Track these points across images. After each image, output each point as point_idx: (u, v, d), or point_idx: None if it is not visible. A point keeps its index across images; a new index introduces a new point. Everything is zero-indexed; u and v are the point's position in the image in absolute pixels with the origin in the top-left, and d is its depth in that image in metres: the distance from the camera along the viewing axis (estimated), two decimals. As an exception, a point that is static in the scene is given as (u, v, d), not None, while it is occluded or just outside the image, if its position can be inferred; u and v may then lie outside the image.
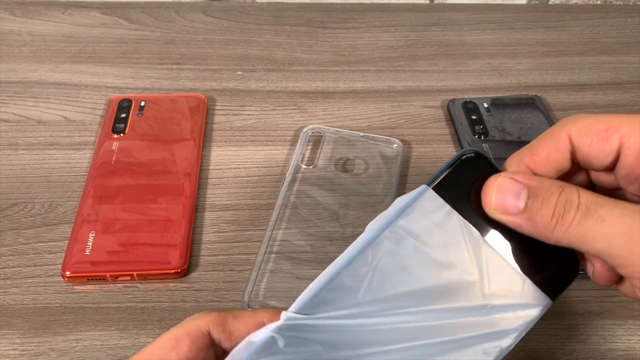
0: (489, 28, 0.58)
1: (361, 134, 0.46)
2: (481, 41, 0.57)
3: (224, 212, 0.41)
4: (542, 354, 0.34)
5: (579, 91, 0.52)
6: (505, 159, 0.25)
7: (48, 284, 0.37)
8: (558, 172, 0.24)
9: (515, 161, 0.24)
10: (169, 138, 0.45)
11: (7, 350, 0.34)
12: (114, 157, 0.43)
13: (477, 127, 0.46)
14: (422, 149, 0.46)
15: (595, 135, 0.22)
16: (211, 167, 0.44)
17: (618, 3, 0.62)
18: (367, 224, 0.24)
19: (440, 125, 0.48)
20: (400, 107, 0.50)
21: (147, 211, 0.40)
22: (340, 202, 0.41)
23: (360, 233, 0.24)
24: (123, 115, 0.46)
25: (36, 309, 0.36)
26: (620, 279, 0.24)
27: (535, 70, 0.54)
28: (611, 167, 0.23)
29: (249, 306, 0.35)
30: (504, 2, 0.62)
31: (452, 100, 0.49)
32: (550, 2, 0.62)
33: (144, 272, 0.37)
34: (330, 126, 0.47)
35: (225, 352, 0.22)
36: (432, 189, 0.24)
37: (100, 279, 0.37)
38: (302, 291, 0.23)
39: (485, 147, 0.45)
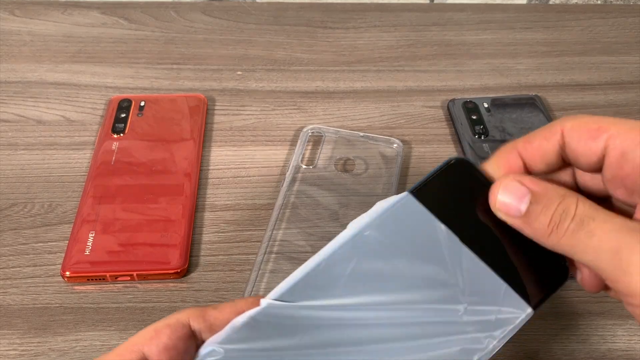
0: (489, 28, 0.58)
1: (361, 134, 0.46)
2: (481, 41, 0.57)
3: (224, 212, 0.41)
4: (542, 354, 0.34)
5: (579, 91, 0.52)
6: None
7: (48, 284, 0.37)
8: (547, 166, 0.24)
9: (510, 147, 0.25)
10: (168, 138, 0.45)
11: (6, 350, 0.34)
12: (113, 157, 0.43)
13: (477, 127, 0.46)
14: (422, 149, 0.46)
15: (585, 133, 0.23)
16: (211, 167, 0.44)
17: (618, 3, 0.62)
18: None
19: (440, 125, 0.48)
20: (401, 107, 0.50)
21: (147, 211, 0.40)
22: (340, 202, 0.41)
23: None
24: (123, 115, 0.46)
25: (36, 309, 0.36)
26: (606, 286, 0.24)
27: (535, 70, 0.54)
28: (596, 168, 0.23)
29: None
30: (504, 2, 0.62)
31: (452, 100, 0.49)
32: (550, 2, 0.62)
33: (144, 272, 0.37)
34: (330, 126, 0.47)
35: (203, 340, 0.22)
36: (413, 195, 0.24)
37: (100, 279, 0.37)
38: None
39: (486, 147, 0.45)
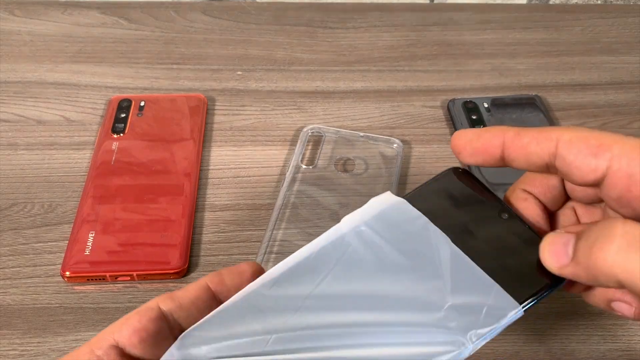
0: (489, 28, 0.58)
1: (361, 134, 0.46)
2: (481, 41, 0.57)
3: (224, 212, 0.41)
4: (542, 354, 0.34)
5: (579, 91, 0.52)
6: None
7: (48, 284, 0.37)
8: (527, 163, 0.24)
9: (498, 132, 0.24)
10: (168, 138, 0.45)
11: (6, 350, 0.34)
12: (113, 157, 0.43)
13: (477, 127, 0.46)
14: (422, 149, 0.46)
15: (584, 148, 0.22)
16: (211, 167, 0.44)
17: (618, 3, 0.62)
18: None
19: (440, 125, 0.48)
20: (401, 107, 0.50)
21: (147, 211, 0.40)
22: (340, 202, 0.41)
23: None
24: (123, 115, 0.46)
25: (36, 309, 0.36)
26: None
27: (535, 70, 0.54)
28: (590, 184, 0.23)
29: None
30: (504, 2, 0.62)
31: (452, 100, 0.49)
32: (550, 2, 0.62)
33: (144, 272, 0.37)
34: (330, 126, 0.47)
35: (179, 324, 0.23)
36: (407, 199, 0.25)
37: (100, 279, 0.37)
38: None
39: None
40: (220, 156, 0.45)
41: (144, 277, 0.37)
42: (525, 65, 0.54)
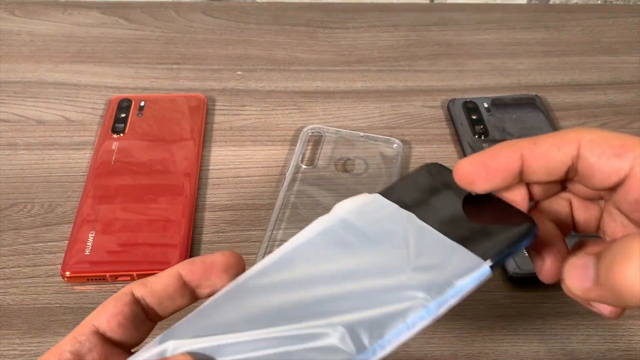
0: (489, 28, 0.58)
1: (361, 133, 0.46)
2: (481, 41, 0.57)
3: (224, 212, 0.41)
4: (542, 354, 0.34)
5: (580, 91, 0.52)
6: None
7: (48, 284, 0.37)
8: (548, 176, 0.23)
9: (513, 145, 0.23)
10: (168, 138, 0.45)
11: (6, 350, 0.34)
12: (113, 157, 0.43)
13: (477, 127, 0.46)
14: (422, 149, 0.46)
15: (607, 149, 0.21)
16: (211, 167, 0.44)
17: (618, 3, 0.62)
18: None
19: (440, 125, 0.48)
20: (401, 107, 0.50)
21: (147, 211, 0.40)
22: (340, 202, 0.41)
23: None
24: (123, 115, 0.46)
25: (36, 309, 0.36)
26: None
27: (535, 70, 0.54)
28: (611, 187, 0.22)
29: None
30: (504, 2, 0.62)
31: (452, 100, 0.49)
32: (550, 2, 0.62)
33: (144, 272, 0.37)
34: (330, 126, 0.47)
35: (152, 309, 0.23)
36: (380, 193, 0.25)
37: (100, 279, 0.37)
38: None
39: (486, 147, 0.45)
40: (220, 156, 0.45)
41: (144, 277, 0.37)
42: (525, 65, 0.54)
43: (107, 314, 0.22)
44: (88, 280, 0.37)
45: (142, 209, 0.40)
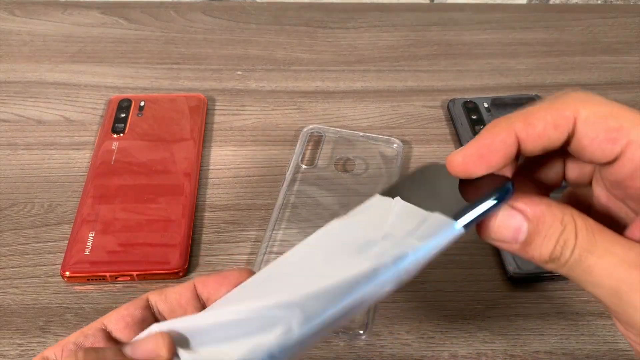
0: (489, 28, 0.58)
1: (361, 133, 0.46)
2: (481, 41, 0.57)
3: (224, 212, 0.41)
4: (542, 354, 0.34)
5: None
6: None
7: (48, 284, 0.37)
8: (543, 150, 0.22)
9: (505, 125, 0.22)
10: (168, 138, 0.45)
11: (6, 350, 0.34)
12: (113, 157, 0.43)
13: (477, 127, 0.46)
14: (422, 149, 0.46)
15: (602, 131, 0.21)
16: (211, 167, 0.44)
17: (618, 3, 0.62)
18: None
19: (440, 125, 0.48)
20: (401, 107, 0.50)
21: (147, 211, 0.40)
22: (340, 202, 0.41)
23: None
24: (123, 115, 0.46)
25: (36, 309, 0.36)
26: None
27: (535, 70, 0.54)
28: (600, 163, 0.22)
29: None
30: (504, 2, 0.62)
31: (453, 100, 0.49)
32: (550, 2, 0.62)
33: (144, 272, 0.37)
34: (330, 126, 0.47)
35: (163, 317, 0.24)
36: (381, 194, 0.25)
37: (99, 279, 0.37)
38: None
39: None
40: (220, 156, 0.45)
41: (143, 277, 0.37)
42: (525, 65, 0.54)
43: (117, 315, 0.23)
44: (88, 280, 0.37)
45: (142, 209, 0.40)
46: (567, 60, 0.55)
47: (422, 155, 0.46)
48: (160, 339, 0.20)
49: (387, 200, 0.24)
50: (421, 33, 0.58)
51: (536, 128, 0.21)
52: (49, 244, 0.39)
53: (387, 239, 0.21)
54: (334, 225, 0.24)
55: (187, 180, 0.42)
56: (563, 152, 0.23)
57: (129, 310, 0.23)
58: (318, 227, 0.39)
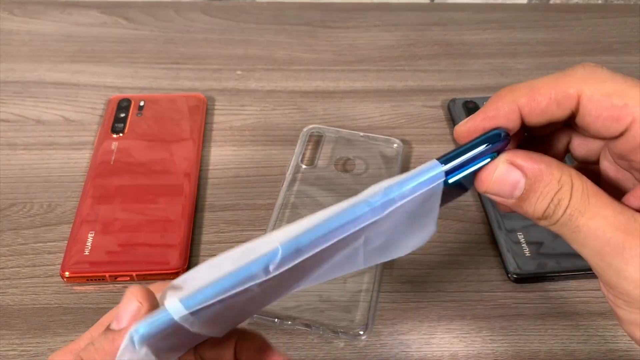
0: (489, 28, 0.58)
1: (361, 133, 0.46)
2: (482, 41, 0.57)
3: (223, 212, 0.41)
4: (542, 354, 0.34)
5: (580, 91, 0.52)
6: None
7: (47, 285, 0.37)
8: (546, 124, 0.23)
9: (510, 100, 0.22)
10: (168, 138, 0.45)
11: (6, 350, 0.34)
12: (113, 157, 0.43)
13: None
14: (423, 149, 0.46)
15: (606, 110, 0.21)
16: (211, 167, 0.44)
17: (619, 2, 0.62)
18: None
19: (440, 125, 0.48)
20: (401, 107, 0.50)
21: (147, 211, 0.40)
22: (341, 202, 0.41)
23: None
24: (122, 115, 0.46)
25: (35, 309, 0.36)
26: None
27: (536, 70, 0.54)
28: (605, 138, 0.22)
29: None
30: (505, 2, 0.62)
31: (453, 100, 0.49)
32: (551, 2, 0.62)
33: (143, 272, 0.37)
34: (331, 126, 0.46)
35: None
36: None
37: (99, 280, 0.37)
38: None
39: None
40: (220, 156, 0.45)
41: (143, 277, 0.37)
42: (525, 65, 0.54)
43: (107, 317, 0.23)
44: (87, 280, 0.37)
45: (141, 209, 0.40)
46: (568, 60, 0.55)
47: (422, 155, 0.46)
48: (132, 293, 0.20)
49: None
50: (421, 33, 0.57)
51: (540, 104, 0.22)
52: (49, 244, 0.39)
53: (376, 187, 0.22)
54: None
55: (187, 180, 0.42)
56: (569, 129, 0.24)
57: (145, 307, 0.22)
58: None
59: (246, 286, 0.19)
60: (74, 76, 0.51)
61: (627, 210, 0.21)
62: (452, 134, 0.47)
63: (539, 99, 0.22)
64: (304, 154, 0.44)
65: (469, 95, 0.50)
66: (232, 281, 0.19)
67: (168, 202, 0.40)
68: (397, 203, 0.21)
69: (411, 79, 0.52)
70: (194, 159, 0.44)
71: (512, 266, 0.37)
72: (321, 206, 0.41)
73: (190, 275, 0.20)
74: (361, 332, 0.35)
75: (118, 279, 0.37)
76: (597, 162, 0.25)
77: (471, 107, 0.48)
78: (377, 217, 0.21)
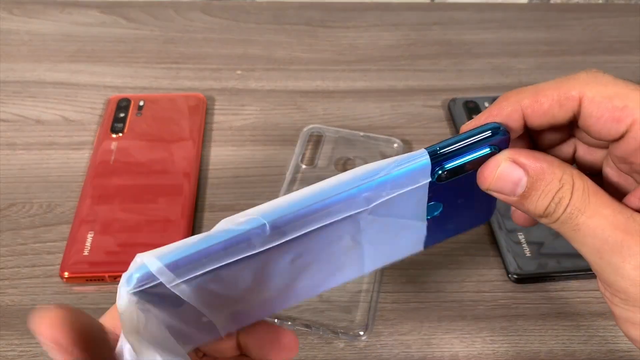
0: (490, 27, 0.58)
1: (361, 133, 0.46)
2: (482, 40, 0.57)
3: (223, 212, 0.41)
4: (543, 355, 0.34)
5: (581, 90, 0.51)
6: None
7: (46, 285, 0.37)
8: (549, 126, 0.23)
9: (514, 100, 0.23)
10: (168, 138, 0.45)
11: (5, 351, 0.34)
12: (112, 157, 0.43)
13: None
14: (423, 149, 0.46)
15: (607, 111, 0.22)
16: (211, 167, 0.44)
17: (620, 2, 0.62)
18: None
19: (441, 124, 0.48)
20: (401, 107, 0.50)
21: (146, 211, 0.40)
22: (341, 202, 0.41)
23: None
24: (122, 115, 0.46)
25: (35, 309, 0.36)
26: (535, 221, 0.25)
27: (536, 70, 0.53)
28: (607, 141, 0.23)
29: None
30: (505, 1, 0.62)
31: (453, 100, 0.49)
32: (551, 1, 0.62)
33: (143, 272, 0.37)
34: (331, 126, 0.46)
35: None
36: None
37: (98, 280, 0.37)
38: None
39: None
40: (220, 156, 0.45)
41: (143, 278, 0.37)
42: (526, 65, 0.54)
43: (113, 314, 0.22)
44: (87, 280, 0.37)
45: (141, 209, 0.40)
46: (568, 59, 0.55)
47: (422, 155, 0.46)
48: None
49: None
50: (422, 32, 0.57)
51: (542, 105, 0.23)
52: (48, 244, 0.39)
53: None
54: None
55: (187, 180, 0.42)
56: (573, 140, 0.25)
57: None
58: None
59: (230, 254, 0.19)
60: (73, 76, 0.51)
61: (626, 210, 0.21)
62: (452, 134, 0.47)
63: (542, 100, 0.23)
64: (304, 154, 0.44)
65: (470, 95, 0.50)
66: (210, 243, 0.19)
67: (168, 202, 0.40)
68: (385, 191, 0.21)
69: (411, 78, 0.52)
70: (194, 159, 0.43)
71: (512, 266, 0.37)
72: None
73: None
74: (361, 333, 0.34)
75: (117, 279, 0.37)
76: (601, 172, 0.25)
77: (472, 107, 0.48)
78: (367, 207, 0.21)
